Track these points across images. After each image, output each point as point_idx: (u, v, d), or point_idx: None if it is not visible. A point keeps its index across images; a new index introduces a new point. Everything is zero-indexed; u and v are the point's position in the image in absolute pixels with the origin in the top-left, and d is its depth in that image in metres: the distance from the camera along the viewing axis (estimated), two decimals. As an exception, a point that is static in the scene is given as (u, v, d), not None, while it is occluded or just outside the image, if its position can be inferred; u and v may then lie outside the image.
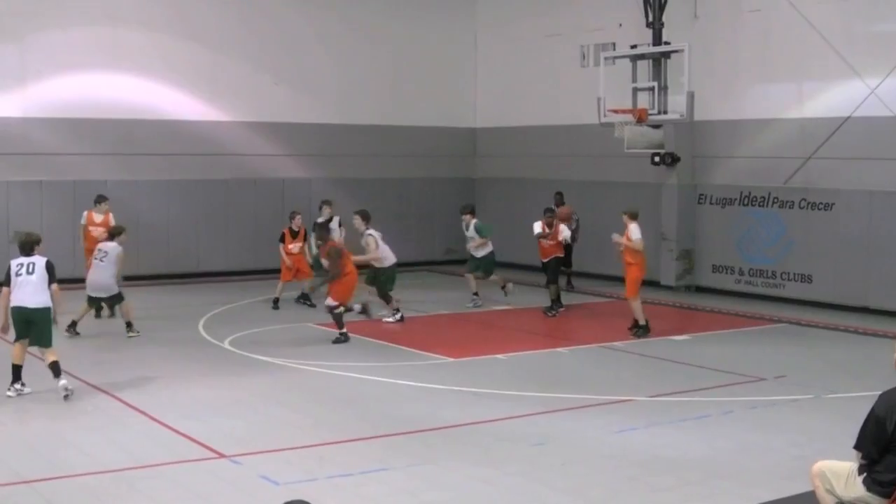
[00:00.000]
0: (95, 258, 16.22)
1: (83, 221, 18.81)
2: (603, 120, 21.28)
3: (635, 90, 21.12)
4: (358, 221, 17.86)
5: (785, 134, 20.33)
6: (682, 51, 20.08)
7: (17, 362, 12.19)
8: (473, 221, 19.72)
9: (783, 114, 20.37)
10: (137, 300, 17.20)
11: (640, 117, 20.76)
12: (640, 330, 16.24)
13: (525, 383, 13.11)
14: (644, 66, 21.22)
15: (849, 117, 19.06)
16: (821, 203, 19.62)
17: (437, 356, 14.82)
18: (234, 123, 24.04)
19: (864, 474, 6.84)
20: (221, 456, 9.71)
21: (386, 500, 8.59)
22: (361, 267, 17.16)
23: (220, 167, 23.73)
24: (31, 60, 21.86)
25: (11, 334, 12.20)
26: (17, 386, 12.16)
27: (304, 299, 19.24)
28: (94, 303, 16.48)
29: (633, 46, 21.39)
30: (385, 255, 17.83)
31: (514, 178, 25.87)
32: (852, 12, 19.26)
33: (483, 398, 12.29)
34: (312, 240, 19.07)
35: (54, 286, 12.09)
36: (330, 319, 16.13)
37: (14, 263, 12.13)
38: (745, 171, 21.05)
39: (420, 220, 26.27)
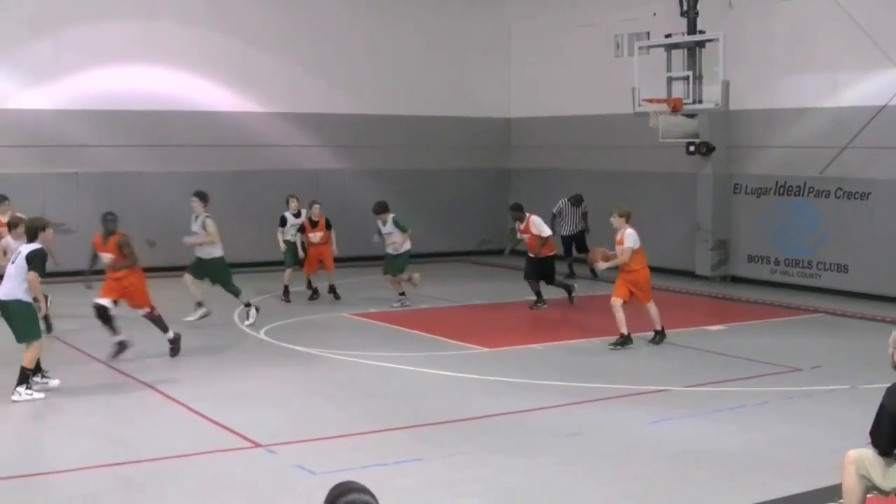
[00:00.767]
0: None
1: None
2: (637, 110, 21.23)
3: (670, 80, 21.04)
4: (196, 204, 16.70)
5: (820, 123, 20.18)
6: (716, 40, 19.98)
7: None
8: (391, 217, 18.51)
9: (818, 103, 20.21)
10: (174, 292, 17.28)
11: (675, 107, 20.68)
12: (658, 336, 15.14)
13: (559, 373, 13.12)
14: (678, 56, 21.13)
15: (884, 106, 18.89)
16: (856, 193, 19.47)
17: (470, 346, 14.84)
18: (268, 114, 24.16)
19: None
20: (257, 446, 9.78)
21: (422, 490, 8.62)
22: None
23: (255, 158, 23.84)
24: (66, 54, 22.05)
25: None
26: (38, 378, 11.88)
27: (332, 291, 19.18)
28: None
29: (668, 36, 21.29)
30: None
31: (549, 169, 25.80)
32: (887, 0, 19.08)
33: (517, 388, 12.31)
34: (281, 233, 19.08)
35: (31, 275, 11.36)
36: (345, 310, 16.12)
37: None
38: (780, 160, 20.91)
39: (454, 210, 26.27)
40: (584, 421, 10.86)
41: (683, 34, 21.07)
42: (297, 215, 19.15)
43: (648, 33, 22.81)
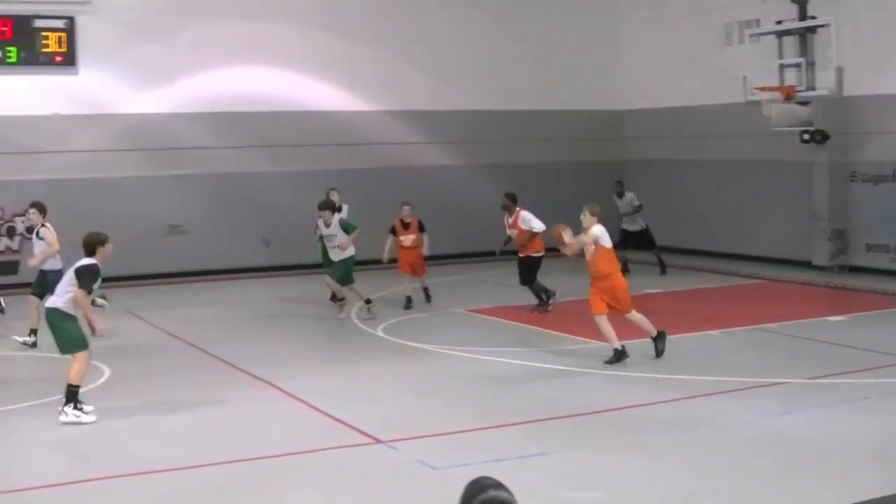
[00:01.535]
0: None
1: None
2: (749, 98, 20.89)
3: (782, 67, 20.69)
4: (34, 215, 15.14)
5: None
6: (828, 25, 19.58)
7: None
8: (337, 217, 16.97)
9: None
10: (296, 289, 17.51)
11: (788, 94, 20.31)
12: (659, 343, 13.47)
13: (678, 366, 12.98)
14: (790, 42, 20.76)
15: None
16: (980, 177, 18.89)
17: (587, 340, 14.76)
18: (379, 112, 24.36)
19: None
20: (377, 441, 9.88)
21: (543, 485, 8.60)
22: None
23: (367, 157, 24.04)
24: (179, 57, 22.53)
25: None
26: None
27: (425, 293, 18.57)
28: None
29: (779, 22, 20.92)
30: None
31: (665, 160, 25.47)
32: None
33: (634, 382, 12.23)
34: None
35: (78, 292, 10.82)
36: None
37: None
38: (898, 146, 20.39)
39: (569, 204, 26.03)
40: (705, 414, 10.74)
41: (794, 20, 20.67)
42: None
43: (758, 20, 22.38)
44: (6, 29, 21.32)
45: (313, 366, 13.64)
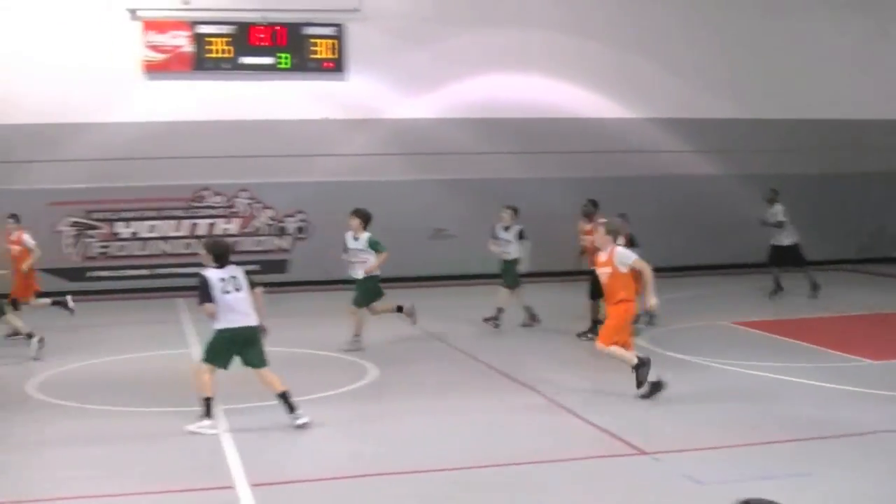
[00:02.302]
0: None
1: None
2: None
3: None
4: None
5: None
6: None
7: (211, 393, 10.77)
8: (365, 235, 15.04)
9: None
10: (553, 295, 17.45)
11: None
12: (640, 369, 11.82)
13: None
14: None
15: None
16: None
17: (855, 358, 14.09)
18: (641, 120, 24.10)
19: None
20: (642, 453, 9.72)
21: (816, 506, 8.27)
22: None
23: (628, 164, 23.84)
24: (443, 63, 23.01)
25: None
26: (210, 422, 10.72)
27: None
28: None
29: None
30: None
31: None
32: None
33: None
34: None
35: (257, 290, 10.98)
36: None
37: (215, 278, 10.68)
38: None
39: (834, 216, 25.01)
40: None
41: None
42: (508, 229, 16.96)
43: None
44: (280, 36, 22.35)
45: (572, 372, 13.57)
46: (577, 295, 16.95)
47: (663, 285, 18.94)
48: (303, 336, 16.03)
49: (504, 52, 23.34)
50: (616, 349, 11.86)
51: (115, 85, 21.66)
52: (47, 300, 17.49)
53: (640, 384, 11.76)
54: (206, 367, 10.77)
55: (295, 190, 22.45)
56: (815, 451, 9.81)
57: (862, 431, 10.43)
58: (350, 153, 22.77)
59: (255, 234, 22.60)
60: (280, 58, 22.44)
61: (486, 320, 16.80)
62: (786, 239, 19.99)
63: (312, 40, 22.61)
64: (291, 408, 10.75)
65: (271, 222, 22.67)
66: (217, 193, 22.37)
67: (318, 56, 22.64)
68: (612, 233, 11.97)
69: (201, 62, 22.10)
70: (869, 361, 13.90)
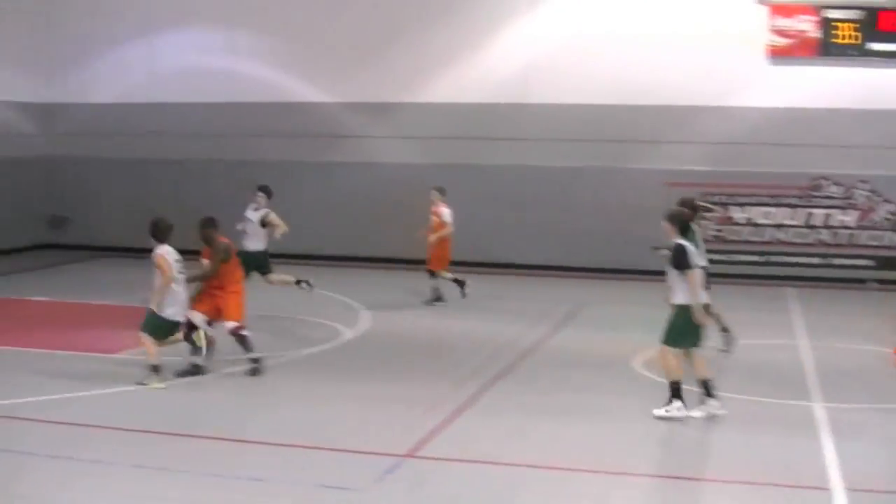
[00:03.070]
0: None
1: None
2: None
3: None
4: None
5: None
6: None
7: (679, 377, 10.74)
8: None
9: None
10: None
11: None
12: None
13: None
14: None
15: None
16: None
17: None
18: None
19: None
20: None
21: None
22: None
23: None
24: None
25: None
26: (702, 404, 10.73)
27: None
28: None
29: None
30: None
31: None
32: None
33: None
34: None
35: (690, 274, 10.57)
36: None
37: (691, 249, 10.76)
38: None
39: None
40: None
41: None
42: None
43: None
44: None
45: None
46: None
47: None
48: None
49: None
50: None
51: (739, 69, 21.75)
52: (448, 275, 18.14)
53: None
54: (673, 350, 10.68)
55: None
56: None
57: None
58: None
59: (873, 228, 21.62)
60: None
61: None
62: None
63: None
64: (708, 394, 10.61)
65: (890, 217, 21.53)
66: (835, 184, 21.69)
67: None
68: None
69: (827, 47, 21.48)
70: None
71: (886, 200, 21.48)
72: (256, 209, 16.55)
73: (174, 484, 8.59)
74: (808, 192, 21.83)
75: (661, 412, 10.65)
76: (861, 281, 21.28)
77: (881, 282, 21.14)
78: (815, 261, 21.70)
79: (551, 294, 19.77)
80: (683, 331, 10.66)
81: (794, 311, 17.88)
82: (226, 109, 23.89)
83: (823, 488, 8.59)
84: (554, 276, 21.60)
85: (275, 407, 11.30)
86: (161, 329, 11.98)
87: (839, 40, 21.43)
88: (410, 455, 9.39)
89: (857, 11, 21.30)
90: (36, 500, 8.24)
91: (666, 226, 10.86)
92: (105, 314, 16.61)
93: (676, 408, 10.62)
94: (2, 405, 10.79)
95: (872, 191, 21.53)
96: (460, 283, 18.47)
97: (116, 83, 24.74)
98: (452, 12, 22.62)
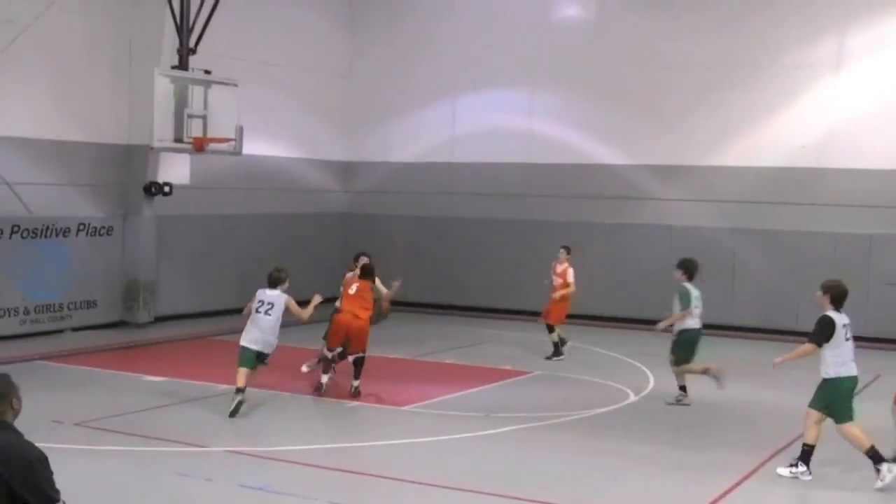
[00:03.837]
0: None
1: None
2: None
3: None
4: None
5: None
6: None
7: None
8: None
9: None
10: None
11: None
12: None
13: None
14: None
15: None
16: None
17: None
18: None
19: None
20: None
21: None
22: None
23: None
24: None
25: None
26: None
27: None
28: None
29: None
30: None
31: None
32: None
33: None
34: None
35: None
36: None
37: (839, 323, 10.77)
38: None
39: None
40: None
41: None
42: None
43: None
44: None
45: None
46: None
47: None
48: None
49: None
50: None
51: None
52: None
53: None
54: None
55: None
56: None
57: None
58: None
59: None
60: None
61: None
62: None
63: None
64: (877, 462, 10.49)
65: None
66: None
67: None
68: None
69: None
70: None
71: None
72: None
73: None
74: None
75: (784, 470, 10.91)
76: None
77: None
78: None
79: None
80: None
81: None
82: (521, 170, 24.38)
83: None
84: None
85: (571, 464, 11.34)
86: None
87: None
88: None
89: None
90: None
91: (820, 296, 10.92)
92: (399, 367, 17.18)
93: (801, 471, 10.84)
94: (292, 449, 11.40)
95: None
96: (562, 342, 18.14)
97: (416, 143, 25.74)
98: (753, 80, 22.13)
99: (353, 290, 14.58)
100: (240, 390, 13.02)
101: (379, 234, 25.67)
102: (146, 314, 20.97)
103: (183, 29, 19.76)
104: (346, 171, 26.68)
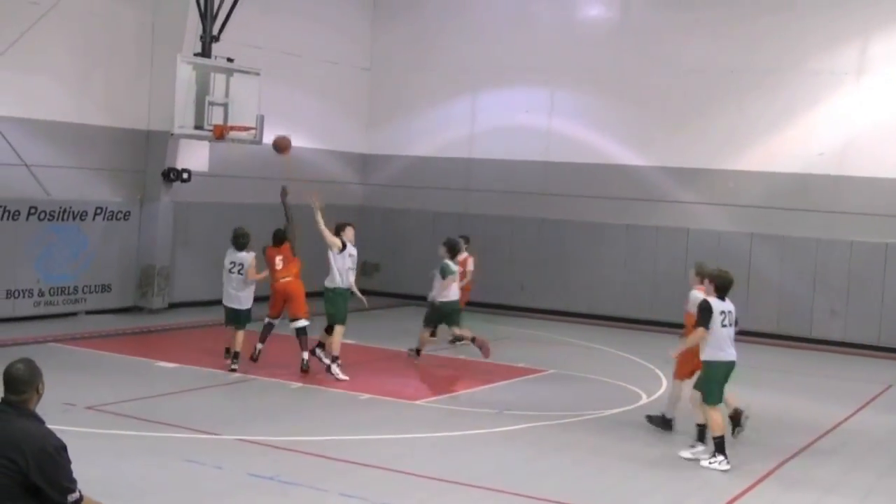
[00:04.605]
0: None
1: None
2: None
3: None
4: None
5: None
6: None
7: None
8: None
9: None
10: None
11: None
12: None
13: None
14: None
15: None
16: None
17: None
18: None
19: None
20: None
21: None
22: None
23: None
24: None
25: None
26: None
27: None
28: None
29: None
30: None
31: None
32: None
33: None
34: None
35: None
36: None
37: (717, 309, 11.33)
38: None
39: None
40: None
41: None
42: None
43: None
44: None
45: None
46: None
47: None
48: None
49: None
50: None
51: None
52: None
53: None
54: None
55: None
56: None
57: None
58: None
59: None
60: None
61: None
62: None
63: None
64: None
65: None
66: None
67: None
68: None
69: None
70: None
71: None
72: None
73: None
74: None
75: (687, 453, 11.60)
76: None
77: None
78: None
79: (858, 373, 18.78)
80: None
81: None
82: (539, 168, 24.34)
83: None
84: (860, 355, 20.46)
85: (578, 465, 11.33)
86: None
87: None
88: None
89: None
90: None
91: (704, 284, 11.74)
92: (412, 361, 17.17)
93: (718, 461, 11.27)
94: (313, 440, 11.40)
95: None
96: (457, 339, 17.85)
97: (435, 138, 25.71)
98: (774, 84, 22.02)
99: (279, 263, 15.52)
100: (227, 350, 15.19)
101: (395, 227, 25.67)
102: (160, 300, 21.07)
103: (207, 16, 19.81)
104: (365, 163, 26.68)
